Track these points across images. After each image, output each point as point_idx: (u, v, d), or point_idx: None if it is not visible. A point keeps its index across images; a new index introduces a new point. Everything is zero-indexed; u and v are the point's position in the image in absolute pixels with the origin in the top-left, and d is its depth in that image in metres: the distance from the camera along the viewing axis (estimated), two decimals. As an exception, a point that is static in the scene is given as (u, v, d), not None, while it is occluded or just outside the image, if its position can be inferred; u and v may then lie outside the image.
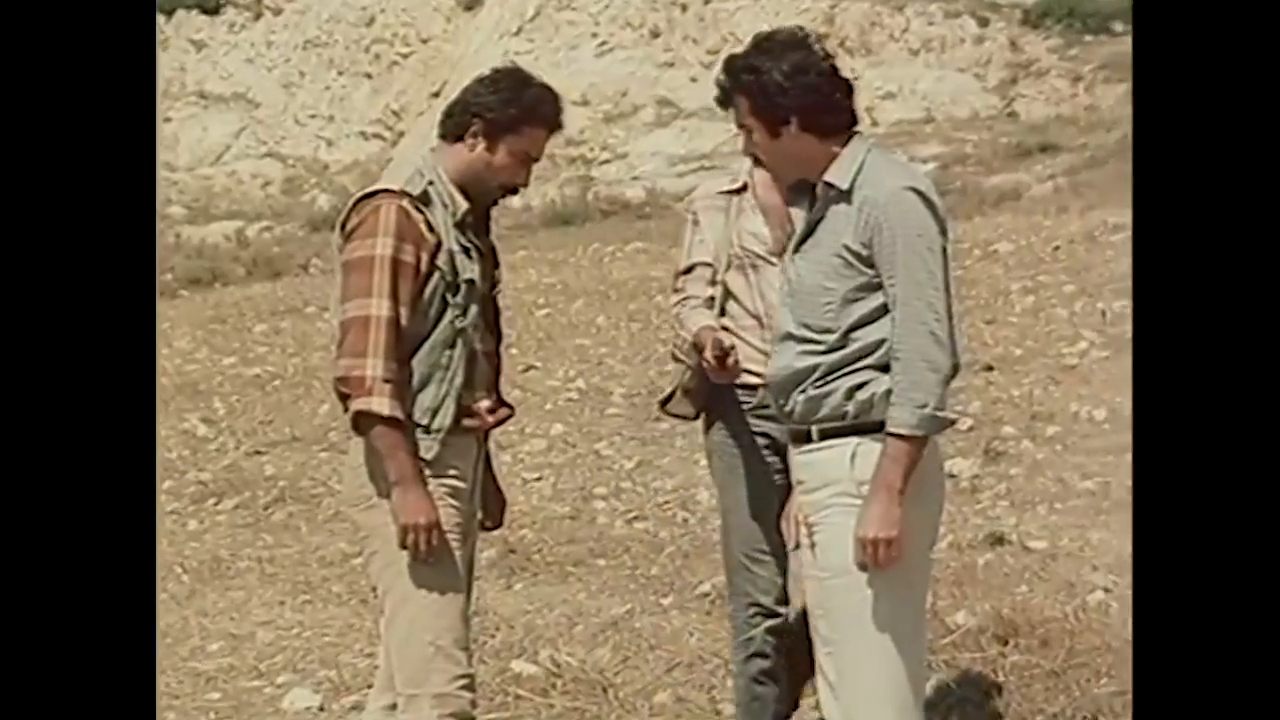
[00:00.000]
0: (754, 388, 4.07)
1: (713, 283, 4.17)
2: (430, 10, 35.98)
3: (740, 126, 3.36)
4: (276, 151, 34.95)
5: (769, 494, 4.15)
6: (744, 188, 4.15)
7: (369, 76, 35.77)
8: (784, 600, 4.22)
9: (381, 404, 3.41)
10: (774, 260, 4.00)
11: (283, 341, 14.05)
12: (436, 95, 33.78)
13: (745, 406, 4.16)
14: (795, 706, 4.39)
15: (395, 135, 34.15)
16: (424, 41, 35.68)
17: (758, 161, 3.63)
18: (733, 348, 3.92)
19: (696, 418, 4.33)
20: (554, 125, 3.66)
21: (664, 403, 4.37)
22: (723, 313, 4.16)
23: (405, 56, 35.72)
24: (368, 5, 36.55)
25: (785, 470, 3.98)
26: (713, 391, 4.17)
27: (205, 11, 37.33)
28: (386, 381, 3.41)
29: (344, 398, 3.48)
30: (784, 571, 4.21)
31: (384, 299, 3.42)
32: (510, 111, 3.58)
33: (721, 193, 4.21)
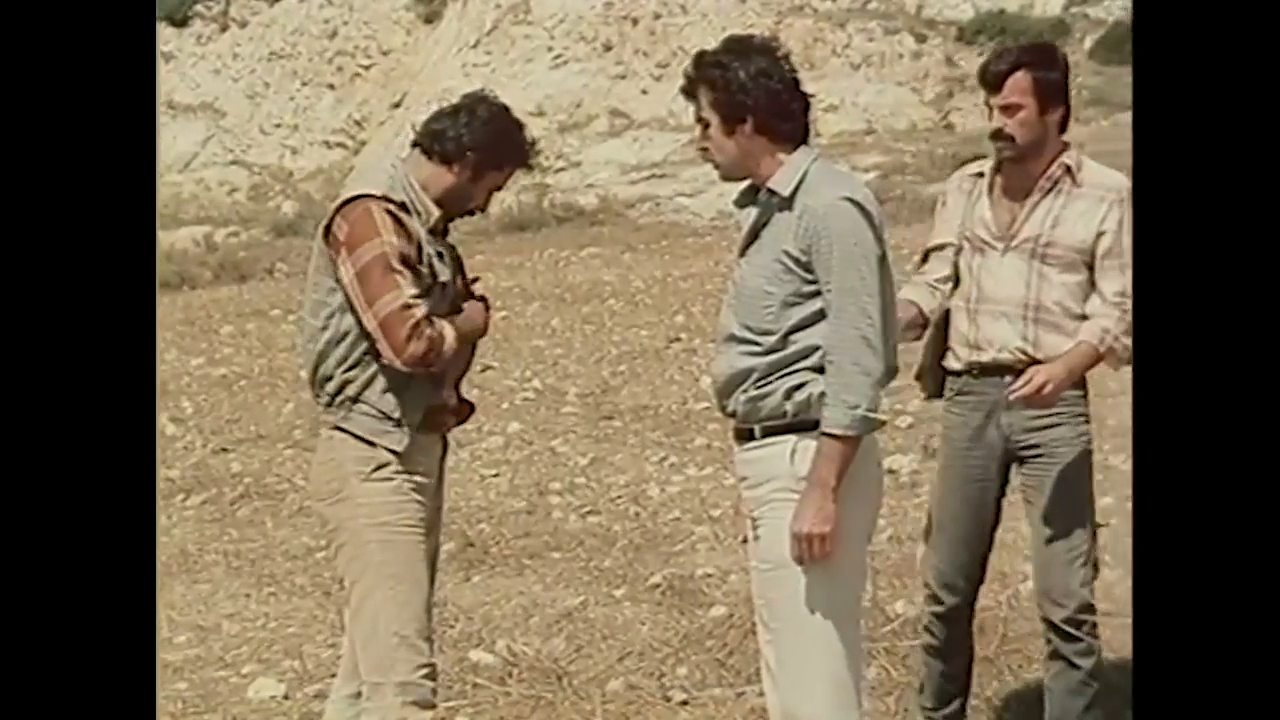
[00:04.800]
0: (958, 373, 4.01)
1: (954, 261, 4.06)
2: (391, 24, 35.83)
3: (699, 120, 3.37)
4: (242, 159, 34.72)
5: (961, 482, 4.05)
6: (982, 173, 4.06)
7: (332, 87, 35.58)
8: (956, 588, 4.10)
9: (451, 342, 3.50)
10: (997, 246, 3.93)
11: (249, 343, 13.96)
12: (397, 105, 33.65)
13: (951, 391, 4.07)
14: (966, 689, 4.27)
15: (357, 144, 33.97)
16: (385, 54, 35.52)
17: (709, 162, 3.53)
18: None
19: (935, 398, 4.18)
20: (528, 168, 3.77)
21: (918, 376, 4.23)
22: (952, 287, 4.07)
23: (367, 68, 35.55)
24: (330, 18, 36.37)
25: (984, 459, 3.98)
26: (943, 377, 4.08)
27: (173, 24, 37.04)
28: (440, 335, 3.47)
29: (428, 367, 3.50)
30: (960, 561, 4.08)
31: (406, 288, 3.43)
32: (504, 152, 3.66)
33: (970, 175, 4.11)
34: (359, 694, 3.62)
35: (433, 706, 3.60)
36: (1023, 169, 3.93)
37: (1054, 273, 3.89)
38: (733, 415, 3.38)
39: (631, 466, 8.42)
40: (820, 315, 3.23)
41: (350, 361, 3.52)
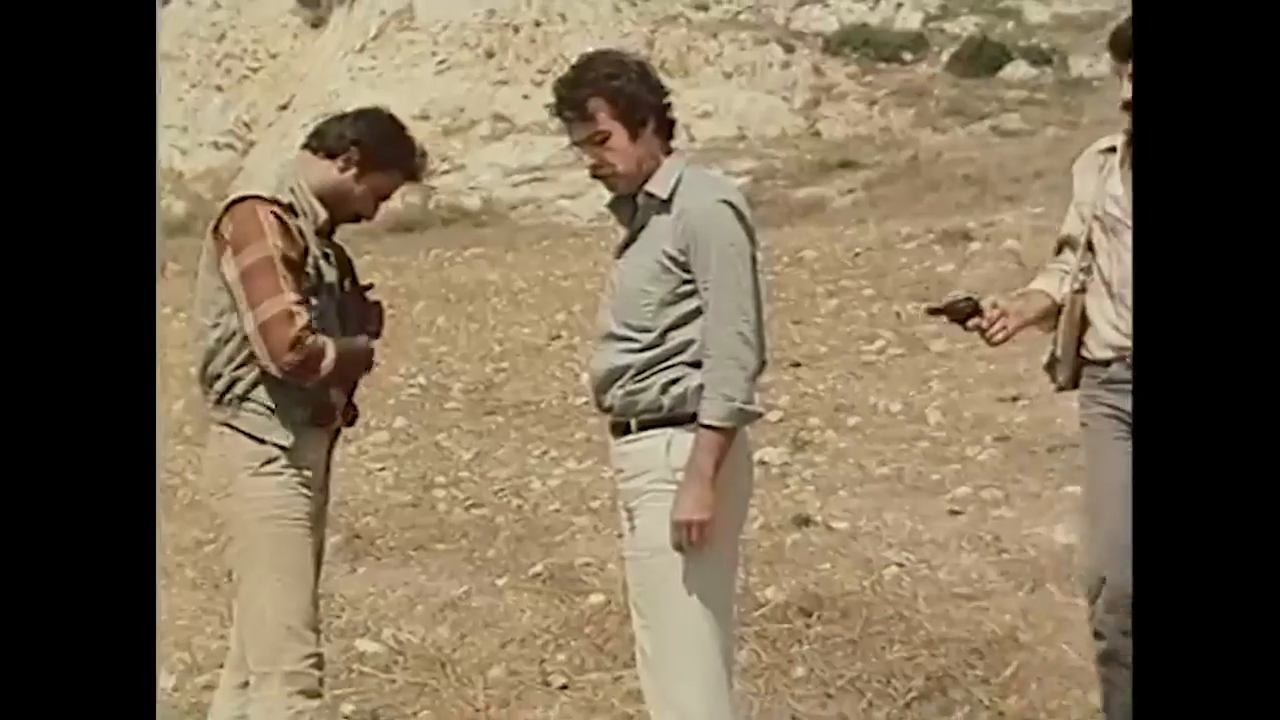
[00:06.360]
0: (1105, 362, 3.68)
1: (1089, 248, 3.70)
2: (278, 28, 35.36)
3: (587, 140, 3.30)
4: (131, 160, 34.01)
5: (1115, 471, 3.54)
6: (1113, 148, 3.71)
7: (220, 89, 35.02)
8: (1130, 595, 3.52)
9: (330, 360, 3.38)
10: (1129, 224, 3.55)
11: (137, 340, 13.67)
12: (284, 108, 33.21)
13: (1094, 380, 3.72)
14: None
15: (246, 145, 33.49)
16: (272, 57, 35.04)
17: (595, 175, 3.41)
18: (978, 311, 3.59)
19: (1068, 388, 3.81)
20: (415, 178, 3.70)
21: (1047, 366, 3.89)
22: (1087, 272, 3.71)
23: (255, 71, 35.04)
24: (218, 21, 35.78)
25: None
26: (1080, 366, 3.75)
27: (60, 25, 36.18)
28: (320, 350, 3.37)
29: (302, 379, 3.41)
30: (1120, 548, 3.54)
31: (289, 293, 3.34)
32: (388, 151, 3.60)
33: (1100, 151, 3.77)
34: (246, 684, 3.57)
35: (319, 695, 3.56)
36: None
37: None
38: (609, 410, 3.39)
39: (514, 460, 8.41)
40: (696, 312, 3.24)
41: (239, 359, 3.46)
